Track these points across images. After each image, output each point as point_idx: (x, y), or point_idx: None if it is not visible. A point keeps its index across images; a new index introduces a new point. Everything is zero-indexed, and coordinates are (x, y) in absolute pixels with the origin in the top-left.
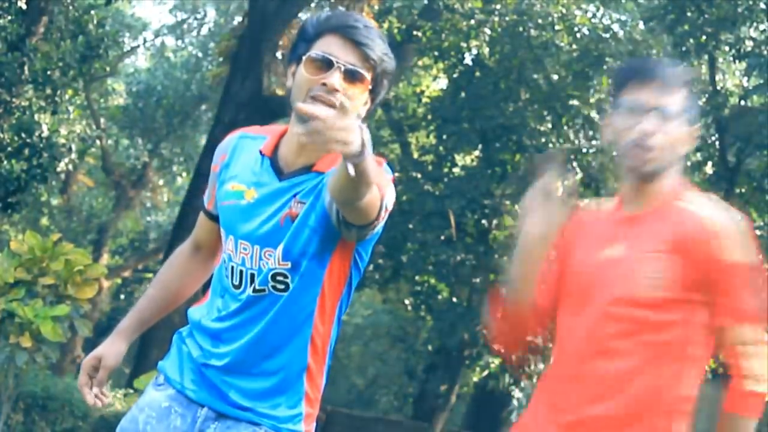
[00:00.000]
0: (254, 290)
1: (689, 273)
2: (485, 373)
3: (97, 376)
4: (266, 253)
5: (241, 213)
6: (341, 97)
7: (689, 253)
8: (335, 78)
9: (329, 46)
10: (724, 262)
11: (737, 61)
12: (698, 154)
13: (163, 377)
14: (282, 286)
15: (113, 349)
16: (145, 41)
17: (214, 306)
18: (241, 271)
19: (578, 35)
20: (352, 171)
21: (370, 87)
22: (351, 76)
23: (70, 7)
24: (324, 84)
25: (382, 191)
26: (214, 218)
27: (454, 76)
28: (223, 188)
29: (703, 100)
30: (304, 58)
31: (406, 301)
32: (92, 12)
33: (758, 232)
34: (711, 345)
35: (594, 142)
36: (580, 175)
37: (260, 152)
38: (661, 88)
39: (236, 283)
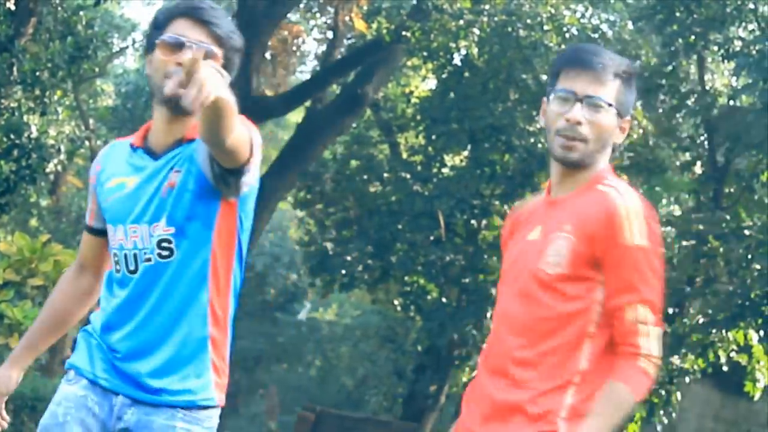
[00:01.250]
0: (144, 261)
1: (589, 252)
2: (474, 373)
3: None
4: (154, 227)
5: (126, 200)
6: (190, 51)
7: (590, 233)
8: (188, 56)
9: (179, 28)
10: (621, 243)
11: (726, 61)
12: (687, 154)
13: (73, 372)
14: (167, 252)
15: (5, 375)
16: (134, 42)
17: (107, 302)
18: (135, 255)
19: (567, 35)
20: (209, 101)
21: (222, 63)
22: (204, 54)
23: (59, 8)
24: (179, 64)
25: (249, 129)
26: (96, 232)
27: (443, 76)
28: (104, 189)
29: (692, 100)
30: (157, 42)
31: (396, 302)
32: (81, 13)
33: (747, 232)
34: (609, 324)
35: None
36: None
37: (131, 145)
38: (594, 77)
39: (132, 268)
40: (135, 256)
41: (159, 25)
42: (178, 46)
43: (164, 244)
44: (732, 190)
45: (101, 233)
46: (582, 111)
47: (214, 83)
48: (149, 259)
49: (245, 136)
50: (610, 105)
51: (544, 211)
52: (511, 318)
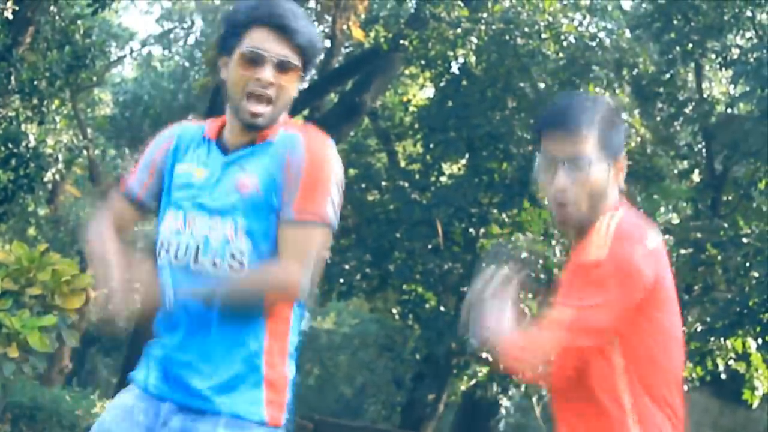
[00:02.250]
0: (212, 264)
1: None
2: (473, 382)
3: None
4: (228, 232)
5: (194, 190)
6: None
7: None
8: (267, 72)
9: (259, 39)
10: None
11: (723, 69)
12: (685, 162)
13: (132, 383)
14: (237, 266)
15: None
16: (132, 51)
17: (166, 299)
18: (188, 245)
19: (565, 43)
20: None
21: (300, 71)
22: (283, 67)
23: (57, 17)
24: (258, 79)
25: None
26: (141, 206)
27: (441, 84)
28: (173, 171)
29: (690, 108)
30: (235, 54)
31: (394, 310)
32: (79, 22)
33: (745, 240)
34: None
35: None
36: None
37: (204, 137)
38: (570, 136)
39: (180, 255)
40: (189, 246)
41: (237, 28)
42: (258, 59)
43: (237, 256)
44: (730, 198)
45: (142, 208)
46: (566, 176)
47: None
48: (216, 264)
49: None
50: (594, 157)
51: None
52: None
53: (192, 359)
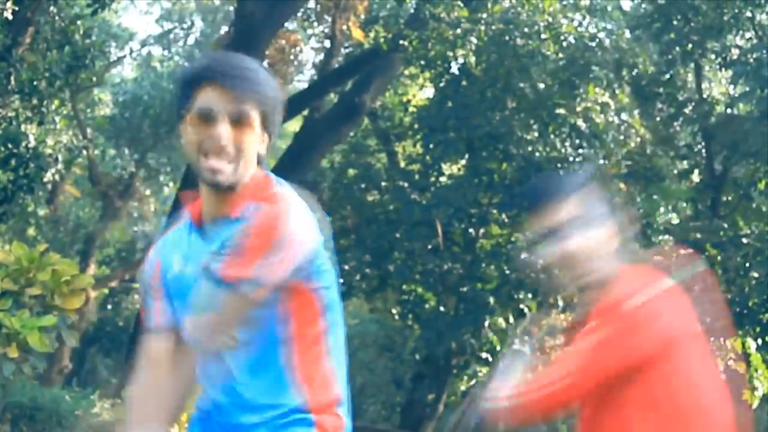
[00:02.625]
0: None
1: None
2: (473, 381)
3: None
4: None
5: (188, 290)
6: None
7: None
8: (222, 128)
9: (211, 96)
10: None
11: (723, 69)
12: (685, 163)
13: None
14: (232, 343)
15: None
16: (131, 51)
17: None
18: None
19: (564, 44)
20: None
21: (261, 121)
22: (238, 122)
23: (57, 18)
24: (211, 136)
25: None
26: (167, 330)
27: (441, 85)
28: (168, 280)
29: (690, 108)
30: (188, 115)
31: (394, 311)
32: (78, 22)
33: (745, 241)
34: None
35: (580, 151)
36: None
37: (191, 225)
38: (547, 213)
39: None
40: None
41: (187, 87)
42: (210, 116)
43: (240, 337)
44: (729, 198)
45: (171, 330)
46: (553, 249)
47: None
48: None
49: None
50: (572, 231)
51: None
52: None
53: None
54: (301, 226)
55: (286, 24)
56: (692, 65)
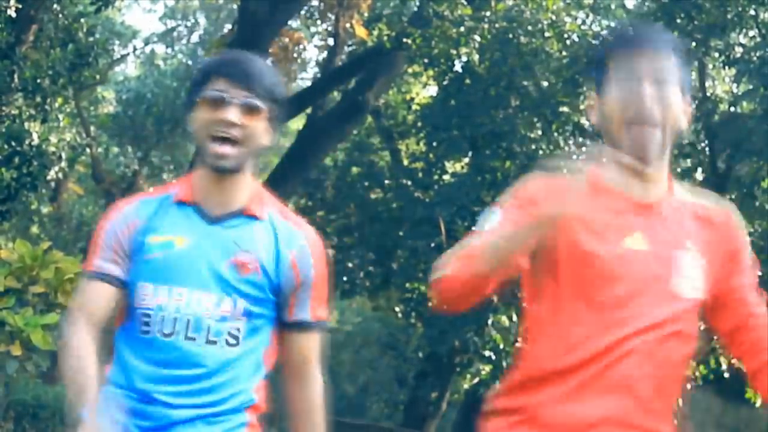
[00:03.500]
0: (207, 341)
1: None
2: (476, 380)
3: None
4: (224, 309)
5: (177, 261)
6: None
7: None
8: (231, 113)
9: (222, 85)
10: None
11: (727, 68)
12: (688, 161)
13: None
14: (234, 342)
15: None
16: (135, 49)
17: (138, 370)
18: (174, 319)
19: (568, 42)
20: None
21: (267, 117)
22: (248, 109)
23: (60, 15)
24: (222, 120)
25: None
26: (117, 282)
27: (444, 83)
28: (145, 244)
29: (693, 106)
30: (198, 100)
31: (397, 309)
32: (82, 20)
33: (749, 239)
34: None
35: (584, 149)
36: None
37: (177, 202)
38: (658, 54)
39: (167, 332)
40: (175, 320)
41: (198, 82)
42: (221, 101)
43: (234, 333)
44: (733, 196)
45: (124, 284)
46: (657, 94)
47: None
48: (211, 341)
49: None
50: (675, 86)
51: None
52: None
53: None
54: None
55: (289, 22)
56: (696, 63)
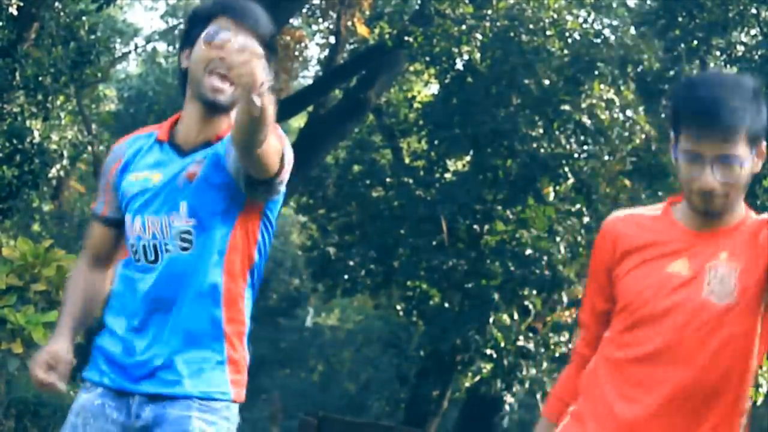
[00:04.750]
0: (166, 251)
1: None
2: (477, 378)
3: (60, 370)
4: (173, 218)
5: (150, 194)
6: (242, 39)
7: None
8: (238, 54)
9: (222, 25)
10: None
11: (728, 66)
12: None
13: (89, 383)
14: (186, 245)
15: (64, 345)
16: (136, 47)
17: (127, 293)
18: (154, 246)
19: (570, 40)
20: (258, 102)
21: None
22: None
23: (62, 13)
24: (222, 58)
25: (282, 142)
26: (110, 222)
27: (446, 81)
28: (125, 181)
29: None
30: (202, 35)
31: (398, 307)
32: (84, 18)
33: None
34: None
35: (585, 148)
36: (571, 180)
37: (156, 140)
38: (724, 136)
39: (151, 258)
40: (154, 246)
41: (199, 20)
42: (222, 39)
43: (185, 236)
44: None
45: (115, 224)
46: (715, 175)
47: (264, 81)
48: (169, 250)
49: (277, 148)
50: (742, 162)
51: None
52: None
53: (156, 341)
54: None
55: (291, 20)
56: (697, 62)
